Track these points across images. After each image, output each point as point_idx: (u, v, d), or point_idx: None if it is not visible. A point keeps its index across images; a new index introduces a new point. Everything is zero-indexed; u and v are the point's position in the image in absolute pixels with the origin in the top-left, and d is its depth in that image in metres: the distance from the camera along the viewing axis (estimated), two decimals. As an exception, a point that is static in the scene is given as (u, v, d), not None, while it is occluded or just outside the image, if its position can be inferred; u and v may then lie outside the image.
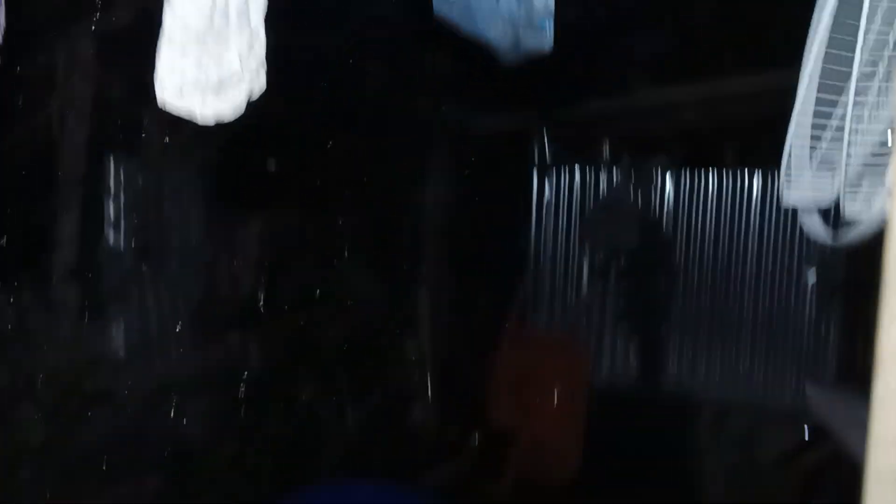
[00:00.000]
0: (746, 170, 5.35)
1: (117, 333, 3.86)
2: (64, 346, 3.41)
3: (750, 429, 5.19)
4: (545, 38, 2.10)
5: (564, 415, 5.23)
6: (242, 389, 4.35)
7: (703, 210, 5.47)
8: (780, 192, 1.50)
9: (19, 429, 3.19)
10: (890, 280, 0.27)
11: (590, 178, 5.76)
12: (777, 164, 1.54)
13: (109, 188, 3.82)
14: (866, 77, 1.40)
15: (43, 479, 3.30)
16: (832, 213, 1.55)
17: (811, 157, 1.49)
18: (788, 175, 1.47)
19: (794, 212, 1.67)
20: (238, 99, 1.15)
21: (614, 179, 5.56)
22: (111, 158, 3.85)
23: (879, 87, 1.37)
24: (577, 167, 5.85)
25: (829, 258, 5.09)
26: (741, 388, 5.42)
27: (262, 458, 4.27)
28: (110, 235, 3.88)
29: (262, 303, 4.59)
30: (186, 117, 1.09)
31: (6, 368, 3.31)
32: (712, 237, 5.44)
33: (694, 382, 5.51)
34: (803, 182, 1.48)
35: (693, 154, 5.72)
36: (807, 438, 4.35)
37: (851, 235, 1.52)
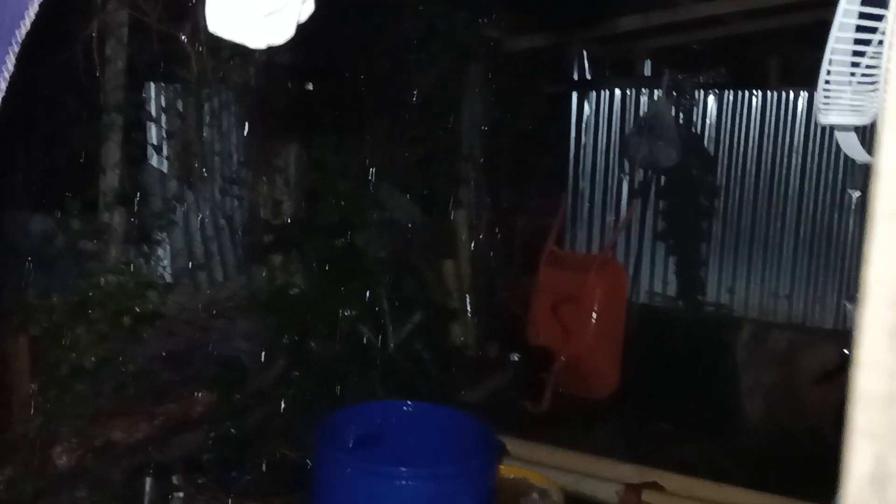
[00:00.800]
0: (791, 89, 5.22)
1: (164, 256, 3.96)
2: (113, 269, 3.51)
3: (790, 347, 5.19)
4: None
5: (603, 333, 5.28)
6: (287, 311, 4.45)
7: (745, 128, 5.37)
8: (816, 111, 1.47)
9: (74, 348, 3.31)
10: (878, 209, 0.29)
11: (630, 96, 5.67)
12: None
13: (151, 113, 3.87)
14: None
15: (98, 395, 3.44)
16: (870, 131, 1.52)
17: (851, 75, 1.46)
18: (827, 93, 1.44)
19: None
20: (288, 23, 1.15)
21: (655, 97, 5.46)
22: (152, 84, 3.89)
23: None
24: (616, 85, 5.75)
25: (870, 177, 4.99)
26: (781, 306, 5.41)
27: (307, 378, 4.39)
28: (153, 160, 3.94)
29: (304, 225, 4.66)
30: (238, 42, 1.09)
31: (60, 292, 3.42)
32: (755, 156, 5.36)
33: (734, 301, 5.50)
34: (842, 100, 1.45)
35: (736, 72, 5.59)
36: (847, 356, 4.35)
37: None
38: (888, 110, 0.30)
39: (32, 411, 3.21)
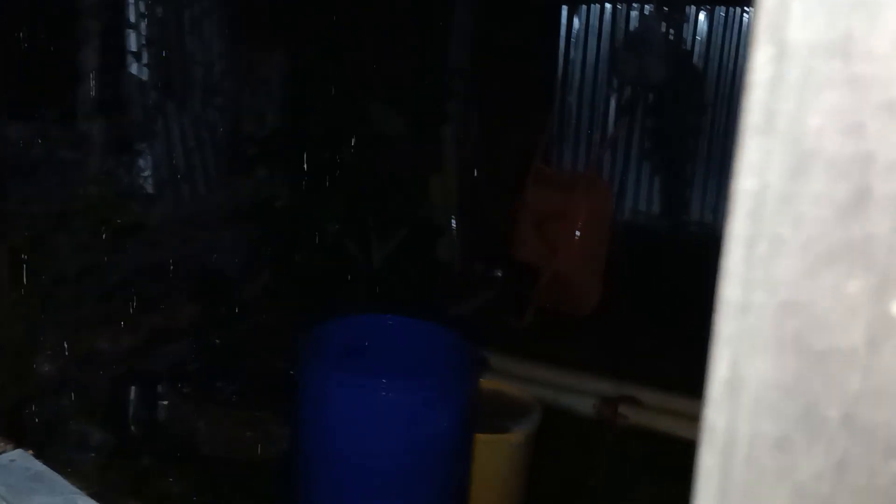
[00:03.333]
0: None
1: (146, 166, 3.93)
2: (94, 179, 3.49)
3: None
4: None
5: (587, 250, 5.30)
6: (271, 224, 4.45)
7: (736, 47, 5.30)
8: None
9: (56, 258, 3.32)
10: (748, 122, 0.29)
11: (621, 10, 5.56)
12: None
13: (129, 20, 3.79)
14: None
15: (81, 305, 3.46)
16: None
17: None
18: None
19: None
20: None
21: (646, 12, 5.37)
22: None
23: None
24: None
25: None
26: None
27: (292, 291, 4.42)
28: (133, 68, 3.87)
29: (288, 138, 4.62)
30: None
31: (41, 201, 3.41)
32: (744, 75, 5.30)
33: (717, 220, 5.52)
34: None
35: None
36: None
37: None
38: (758, 21, 0.30)
39: (14, 320, 3.23)
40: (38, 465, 1.34)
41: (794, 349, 0.30)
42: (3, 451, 1.38)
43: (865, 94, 0.28)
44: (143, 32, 3.85)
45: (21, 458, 1.36)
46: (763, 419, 0.31)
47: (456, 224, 5.57)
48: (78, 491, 1.28)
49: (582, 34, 5.69)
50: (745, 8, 5.21)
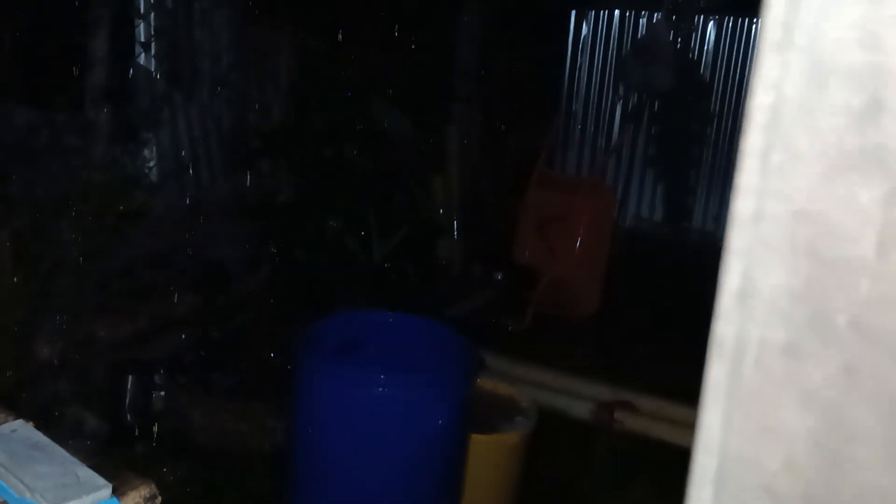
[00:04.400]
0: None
1: (150, 156, 3.94)
2: (98, 167, 3.50)
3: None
4: None
5: (588, 255, 5.30)
6: (273, 218, 4.46)
7: (743, 56, 5.31)
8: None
9: (58, 244, 3.32)
10: (766, 40, 0.30)
11: (629, 17, 5.58)
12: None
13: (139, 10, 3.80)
14: None
15: (81, 291, 3.46)
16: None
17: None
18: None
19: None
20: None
21: (654, 20, 5.38)
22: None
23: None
24: (615, 5, 5.66)
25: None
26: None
27: (291, 286, 4.42)
28: (141, 58, 3.88)
29: (292, 134, 4.63)
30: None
31: (44, 187, 3.41)
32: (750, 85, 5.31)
33: (719, 229, 5.53)
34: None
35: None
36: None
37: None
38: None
39: (14, 304, 3.23)
40: (39, 436, 1.35)
41: (807, 256, 0.31)
42: (5, 422, 1.39)
43: (882, 7, 0.29)
44: (153, 23, 3.86)
45: (22, 429, 1.37)
46: (773, 326, 0.32)
47: (457, 224, 5.57)
48: (77, 461, 1.29)
49: (589, 39, 5.70)
50: (754, 19, 5.22)
